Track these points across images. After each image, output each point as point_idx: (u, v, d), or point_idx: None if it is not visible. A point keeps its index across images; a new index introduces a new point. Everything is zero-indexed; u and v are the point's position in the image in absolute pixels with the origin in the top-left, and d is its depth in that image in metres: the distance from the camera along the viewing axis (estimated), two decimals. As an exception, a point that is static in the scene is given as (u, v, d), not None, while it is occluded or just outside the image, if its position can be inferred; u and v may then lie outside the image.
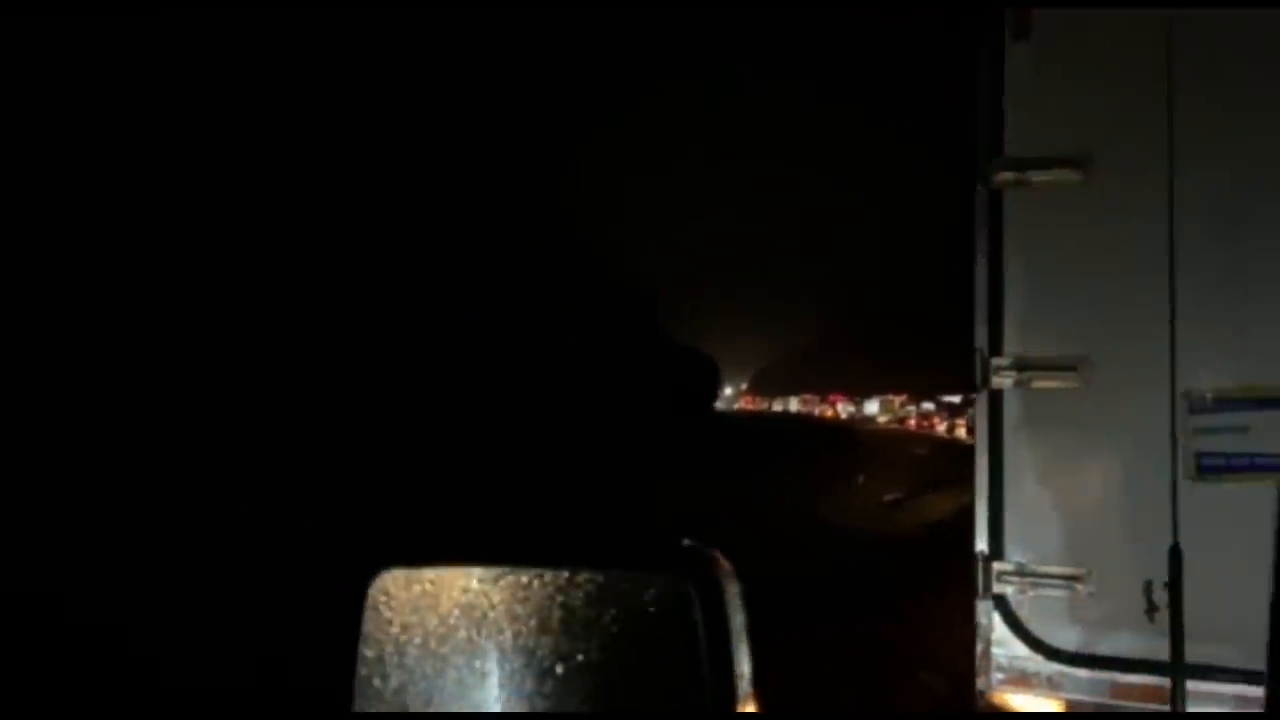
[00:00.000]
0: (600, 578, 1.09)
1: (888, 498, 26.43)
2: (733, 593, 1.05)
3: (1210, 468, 3.13)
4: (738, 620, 1.04)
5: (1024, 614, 3.45)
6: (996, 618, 3.47)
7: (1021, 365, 3.45)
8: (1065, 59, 3.38)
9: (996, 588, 3.46)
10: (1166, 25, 3.08)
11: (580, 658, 1.09)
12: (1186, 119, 3.06)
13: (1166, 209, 2.94)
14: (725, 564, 1.06)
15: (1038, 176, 3.41)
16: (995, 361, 3.48)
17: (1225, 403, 3.12)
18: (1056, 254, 3.42)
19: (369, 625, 1.14)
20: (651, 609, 1.07)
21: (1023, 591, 3.44)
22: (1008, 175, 3.44)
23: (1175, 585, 2.72)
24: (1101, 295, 3.34)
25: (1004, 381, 3.47)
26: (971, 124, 3.51)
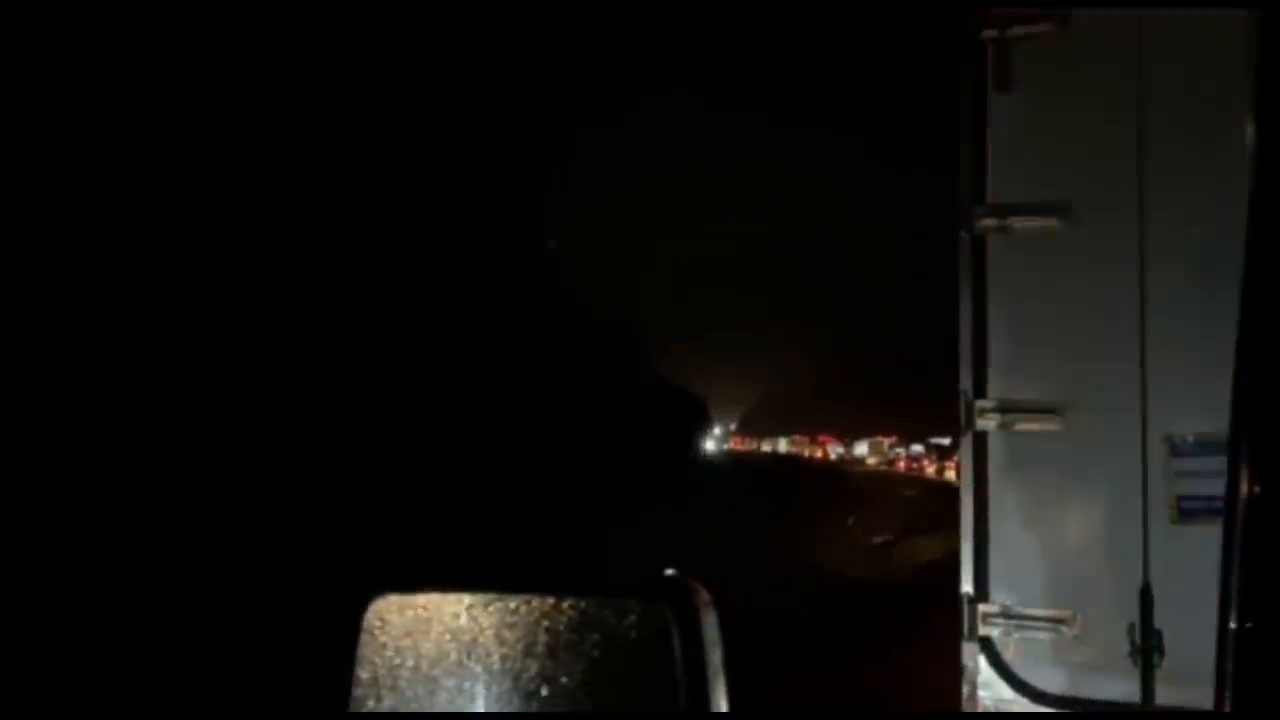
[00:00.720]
0: (583, 604, 1.16)
1: (877, 540, 26.37)
2: (710, 621, 1.10)
3: (1190, 511, 3.17)
4: (714, 647, 1.09)
5: (1009, 656, 3.46)
6: (982, 660, 3.48)
7: (1005, 408, 3.50)
8: (1046, 109, 3.47)
9: (982, 630, 3.47)
10: (1140, 76, 3.19)
11: (564, 680, 1.15)
12: (1162, 166, 3.15)
13: (1143, 255, 3.02)
14: (704, 594, 1.12)
15: (1019, 223, 3.48)
16: (980, 404, 3.52)
17: (1206, 446, 3.15)
18: (1038, 299, 3.49)
19: (364, 648, 1.20)
20: (632, 635, 1.13)
21: (1008, 634, 3.45)
22: (990, 222, 3.52)
23: (1145, 623, 2.75)
24: (1083, 340, 3.40)
25: (988, 424, 3.52)
26: (955, 171, 3.59)
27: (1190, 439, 3.19)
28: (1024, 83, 3.50)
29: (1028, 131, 3.51)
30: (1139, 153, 3.22)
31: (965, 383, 3.55)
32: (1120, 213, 3.25)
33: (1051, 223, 3.43)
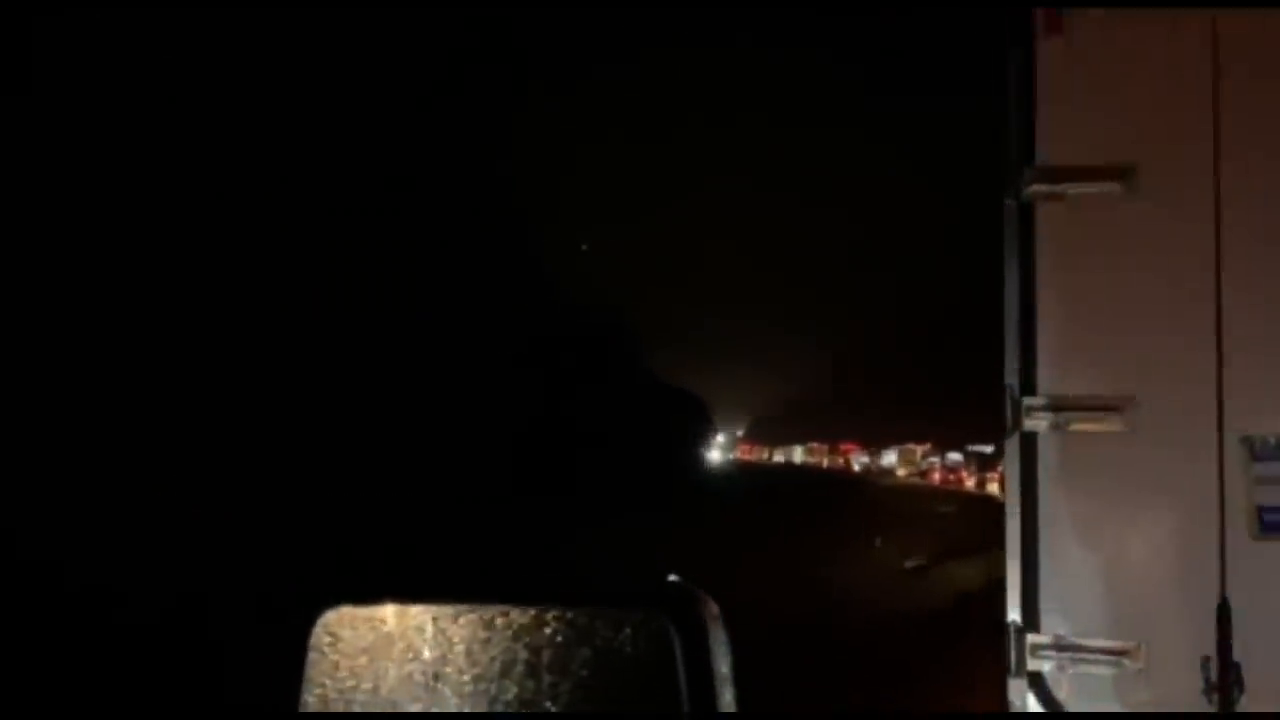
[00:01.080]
0: (571, 615, 1.14)
1: (908, 564, 26.43)
2: (718, 637, 1.09)
3: (1273, 524, 3.18)
4: (723, 666, 1.08)
5: (1063, 695, 3.47)
6: (1031, 699, 3.49)
7: (1058, 405, 3.50)
8: (1103, 58, 3.47)
9: (1031, 664, 3.49)
10: (1211, 21, 3.19)
11: (548, 704, 1.14)
12: (1237, 122, 3.15)
13: (1219, 229, 3.03)
14: (713, 606, 1.11)
15: (1074, 189, 3.48)
16: (1028, 401, 3.53)
17: None
18: (1096, 277, 3.49)
19: (312, 669, 1.19)
20: (627, 650, 1.12)
21: (1062, 668, 3.47)
22: (1040, 187, 3.52)
23: (1223, 655, 2.76)
24: (1148, 325, 3.40)
25: (1038, 424, 3.52)
26: (1000, 131, 3.59)
27: (1273, 441, 3.20)
28: (1077, 29, 3.50)
29: (1083, 84, 3.51)
30: (1214, 112, 3.22)
31: (1011, 377, 3.55)
32: (1192, 180, 3.25)
33: (1111, 188, 3.43)
